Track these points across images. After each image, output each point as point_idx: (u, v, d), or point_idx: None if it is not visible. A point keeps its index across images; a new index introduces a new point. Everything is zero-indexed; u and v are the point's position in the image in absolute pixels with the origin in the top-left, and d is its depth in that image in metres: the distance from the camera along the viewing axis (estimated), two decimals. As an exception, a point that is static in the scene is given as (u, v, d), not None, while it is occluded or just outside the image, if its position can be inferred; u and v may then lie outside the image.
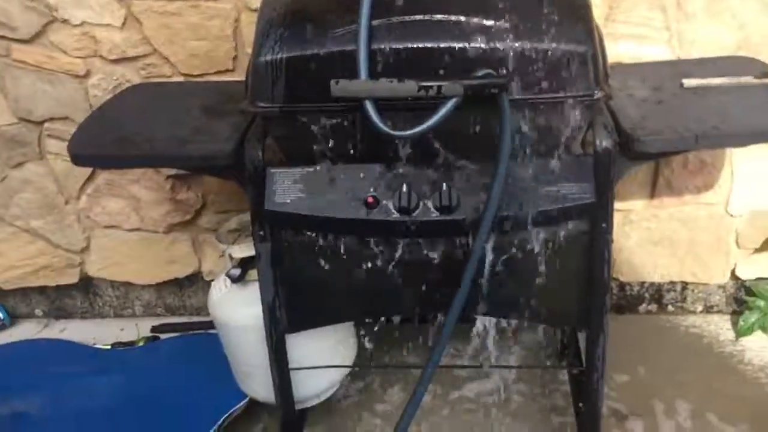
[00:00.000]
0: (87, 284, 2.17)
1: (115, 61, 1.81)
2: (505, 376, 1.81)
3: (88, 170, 1.96)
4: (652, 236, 1.93)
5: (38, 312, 2.24)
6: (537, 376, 1.83)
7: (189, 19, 1.74)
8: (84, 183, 1.98)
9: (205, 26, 1.75)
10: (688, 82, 1.44)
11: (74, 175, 1.97)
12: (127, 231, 2.05)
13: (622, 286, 2.03)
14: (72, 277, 2.13)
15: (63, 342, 2.06)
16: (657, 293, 2.04)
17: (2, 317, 2.18)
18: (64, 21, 1.77)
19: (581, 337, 1.72)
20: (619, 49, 1.69)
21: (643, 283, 2.02)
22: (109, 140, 1.41)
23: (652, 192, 1.89)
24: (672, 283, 2.01)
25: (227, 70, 1.80)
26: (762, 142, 1.41)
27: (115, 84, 1.82)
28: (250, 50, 1.72)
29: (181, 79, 1.81)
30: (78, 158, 1.37)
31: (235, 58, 1.79)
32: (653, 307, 2.05)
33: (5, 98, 1.89)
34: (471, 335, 1.54)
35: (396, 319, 1.57)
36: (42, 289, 2.19)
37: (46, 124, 1.91)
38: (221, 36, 1.75)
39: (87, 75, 1.83)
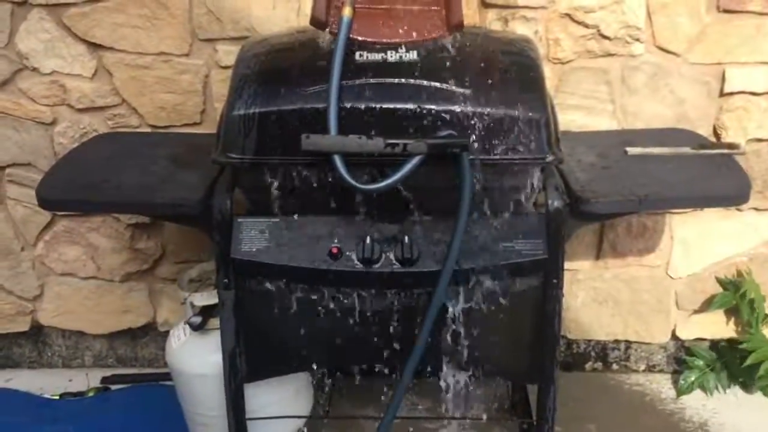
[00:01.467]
0: (37, 333, 2.14)
1: (83, 110, 1.84)
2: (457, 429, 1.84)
3: (47, 217, 1.96)
4: (597, 296, 2.02)
5: (-17, 361, 2.19)
6: (487, 429, 1.86)
7: (160, 72, 1.79)
8: (42, 229, 1.98)
9: (176, 80, 1.80)
10: (632, 151, 1.55)
11: (33, 221, 1.97)
12: (83, 279, 2.04)
13: (569, 343, 2.10)
14: (23, 325, 2.10)
15: (8, 391, 2.01)
16: (602, 351, 2.11)
17: (-56, 366, 2.12)
18: (34, 69, 1.81)
19: (531, 391, 1.79)
20: (567, 119, 1.81)
21: (589, 341, 2.10)
22: (77, 186, 1.43)
23: (598, 253, 1.99)
24: (616, 341, 2.09)
25: (194, 123, 1.85)
26: (699, 207, 1.52)
27: (82, 132, 1.85)
28: (218, 105, 1.80)
29: (148, 129, 1.85)
30: (46, 202, 1.39)
31: (203, 112, 1.84)
32: (599, 365, 2.13)
33: (-32, 142, 1.89)
34: (427, 388, 1.57)
35: (355, 370, 1.59)
36: (-11, 337, 2.15)
37: (8, 170, 1.92)
38: (191, 90, 1.81)
39: (53, 123, 1.86)
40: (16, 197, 1.94)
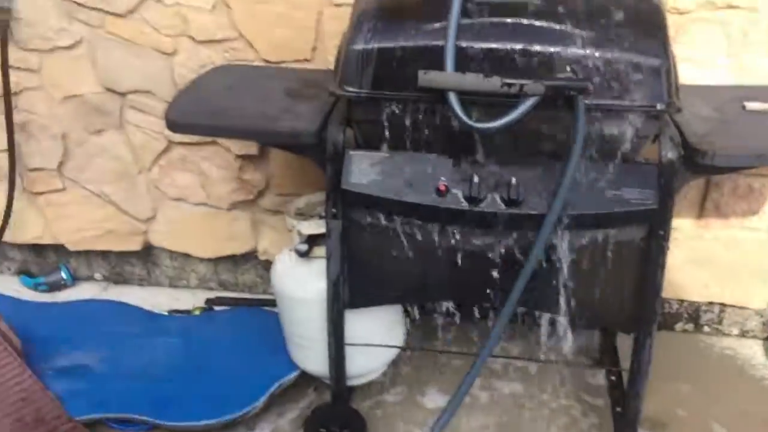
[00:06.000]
0: (147, 252, 2.28)
1: (202, 42, 1.92)
2: (542, 375, 1.87)
3: (163, 143, 2.07)
4: (695, 256, 1.98)
5: (98, 276, 2.36)
6: (574, 376, 1.89)
7: (276, 8, 1.84)
8: (158, 155, 2.09)
9: (290, 16, 1.85)
10: (751, 106, 1.50)
11: (150, 147, 2.08)
12: (193, 204, 2.15)
13: (661, 302, 2.07)
14: (135, 245, 2.24)
15: (123, 304, 2.16)
16: (695, 313, 2.08)
17: (65, 277, 2.30)
18: (159, 0, 1.88)
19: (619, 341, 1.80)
20: (681, 71, 1.75)
21: (682, 301, 2.07)
22: (202, 111, 1.51)
23: (700, 212, 1.94)
24: (710, 304, 2.06)
25: (305, 60, 1.90)
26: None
27: (200, 64, 1.93)
28: (329, 42, 1.84)
29: (262, 64, 1.91)
30: (174, 125, 1.47)
31: (314, 49, 1.89)
32: (690, 326, 2.10)
33: (94, 68, 2.00)
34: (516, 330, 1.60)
35: (451, 308, 1.64)
36: (104, 254, 2.30)
37: (130, 96, 2.03)
38: (304, 27, 1.85)
39: (174, 53, 1.94)
40: (136, 123, 2.05)
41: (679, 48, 1.74)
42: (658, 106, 1.25)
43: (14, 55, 1.99)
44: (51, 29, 1.97)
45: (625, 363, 1.56)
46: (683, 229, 1.97)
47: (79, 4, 1.92)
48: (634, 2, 1.31)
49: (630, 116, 1.26)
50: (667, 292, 2.03)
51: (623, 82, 1.24)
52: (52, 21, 1.95)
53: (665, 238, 1.37)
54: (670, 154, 1.31)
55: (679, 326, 2.11)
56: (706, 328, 2.10)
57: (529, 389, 1.85)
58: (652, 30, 1.27)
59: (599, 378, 1.89)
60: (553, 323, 1.58)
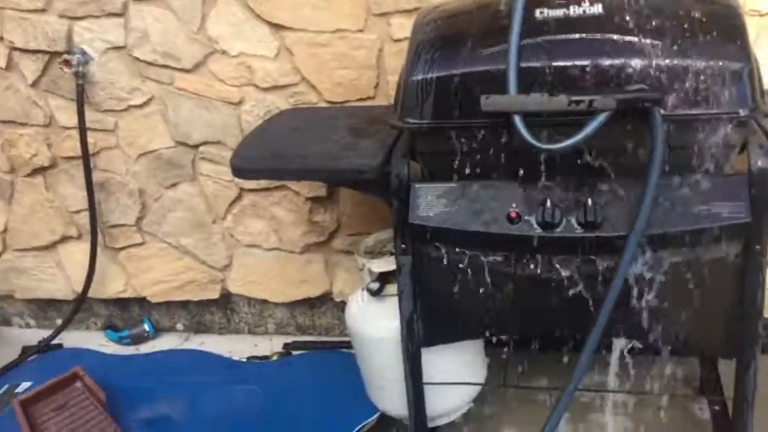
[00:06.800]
0: (226, 300, 2.30)
1: (267, 89, 1.94)
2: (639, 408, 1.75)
3: (235, 192, 2.09)
4: (801, 273, 1.83)
5: (179, 326, 2.39)
6: (675, 409, 1.75)
7: (336, 49, 1.85)
8: (231, 203, 2.12)
9: (351, 56, 1.85)
10: None
11: (222, 196, 2.11)
12: (266, 250, 2.16)
13: (764, 323, 1.92)
14: (213, 293, 2.26)
15: (203, 353, 2.19)
16: (804, 335, 1.92)
17: (148, 329, 2.34)
18: (224, 52, 1.93)
19: (723, 372, 1.66)
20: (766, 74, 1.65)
21: (789, 323, 1.91)
22: (266, 155, 1.51)
23: (802, 226, 1.80)
24: (822, 325, 1.89)
25: (369, 98, 1.90)
26: None
27: (266, 110, 1.95)
28: (391, 78, 1.83)
29: (325, 105, 1.92)
30: (239, 171, 1.48)
31: (376, 86, 1.88)
32: (800, 350, 1.93)
33: (166, 123, 2.06)
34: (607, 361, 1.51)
35: (531, 340, 1.56)
36: (184, 304, 2.34)
37: (201, 148, 2.07)
38: (366, 65, 1.85)
39: (241, 102, 1.98)
40: (208, 173, 2.09)
41: (761, 50, 1.65)
42: (742, 112, 1.16)
43: (91, 117, 2.07)
44: (124, 89, 2.04)
45: (730, 392, 1.44)
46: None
47: (149, 63, 1.99)
48: (708, 6, 1.23)
49: (712, 125, 1.18)
50: (771, 313, 1.89)
51: (702, 90, 1.16)
52: (125, 81, 2.03)
53: (763, 253, 1.25)
54: (761, 162, 1.21)
55: (787, 350, 1.94)
56: (818, 352, 1.92)
57: (626, 424, 1.73)
58: (730, 33, 1.19)
59: (704, 410, 1.75)
60: (645, 352, 1.48)
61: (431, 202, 1.37)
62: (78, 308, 2.32)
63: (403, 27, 1.78)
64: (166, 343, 2.33)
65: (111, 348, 2.32)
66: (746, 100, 1.16)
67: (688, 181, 1.24)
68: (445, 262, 1.39)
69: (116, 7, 1.94)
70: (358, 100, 1.90)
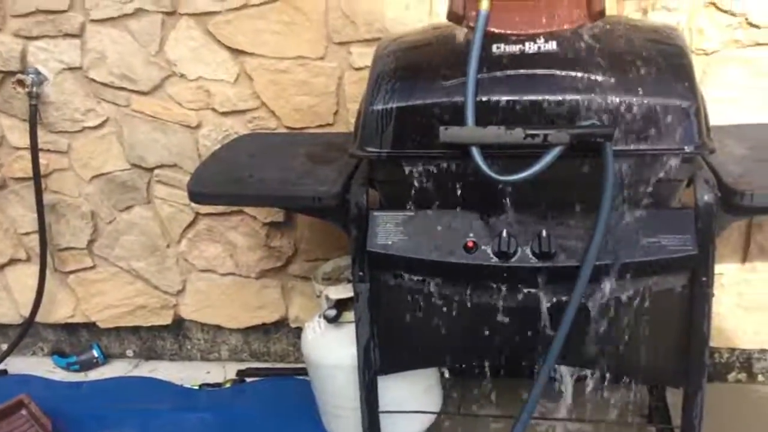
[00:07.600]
0: (178, 326, 2.26)
1: (226, 114, 1.94)
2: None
3: (191, 215, 2.07)
4: (743, 301, 1.90)
5: (129, 352, 2.34)
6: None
7: (297, 76, 1.86)
8: (186, 227, 2.09)
9: (311, 83, 1.87)
10: (787, 143, 1.45)
11: (177, 220, 2.09)
12: (221, 275, 2.14)
13: (710, 352, 1.98)
14: (165, 318, 2.23)
15: (153, 380, 2.14)
16: (747, 362, 1.98)
17: (97, 355, 2.28)
18: (182, 76, 1.92)
19: (669, 397, 1.70)
20: (713, 112, 1.71)
21: (733, 350, 1.97)
22: (223, 180, 1.51)
23: (744, 256, 1.87)
24: (763, 351, 1.96)
25: (328, 124, 1.91)
26: None
27: (224, 135, 1.95)
28: (351, 106, 1.85)
29: (285, 131, 1.92)
30: (196, 196, 1.47)
31: (336, 113, 1.89)
32: (743, 376, 2.00)
33: (121, 145, 2.04)
34: (558, 390, 1.54)
35: (487, 368, 1.58)
36: (135, 330, 2.29)
37: (156, 171, 2.05)
38: (325, 92, 1.87)
39: (198, 126, 1.97)
40: (163, 197, 2.07)
41: (708, 89, 1.71)
42: (688, 149, 1.20)
43: (43, 138, 2.04)
44: (78, 111, 2.01)
45: (678, 419, 1.47)
46: (728, 274, 1.89)
47: (105, 85, 1.97)
48: (656, 46, 1.28)
49: (660, 160, 1.22)
50: (716, 341, 1.95)
51: (651, 126, 1.20)
52: (79, 102, 2.00)
53: (708, 284, 1.30)
54: (707, 196, 1.26)
55: (731, 376, 2.00)
56: (760, 377, 1.99)
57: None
58: (677, 72, 1.24)
59: (651, 437, 1.79)
60: (596, 380, 1.51)
61: (389, 231, 1.38)
62: (24, 333, 2.25)
63: (363, 56, 1.81)
64: (115, 369, 2.28)
65: (58, 374, 2.25)
66: (693, 137, 1.21)
67: (637, 214, 1.27)
68: (402, 290, 1.40)
69: (73, 28, 1.92)
70: (318, 126, 1.91)
